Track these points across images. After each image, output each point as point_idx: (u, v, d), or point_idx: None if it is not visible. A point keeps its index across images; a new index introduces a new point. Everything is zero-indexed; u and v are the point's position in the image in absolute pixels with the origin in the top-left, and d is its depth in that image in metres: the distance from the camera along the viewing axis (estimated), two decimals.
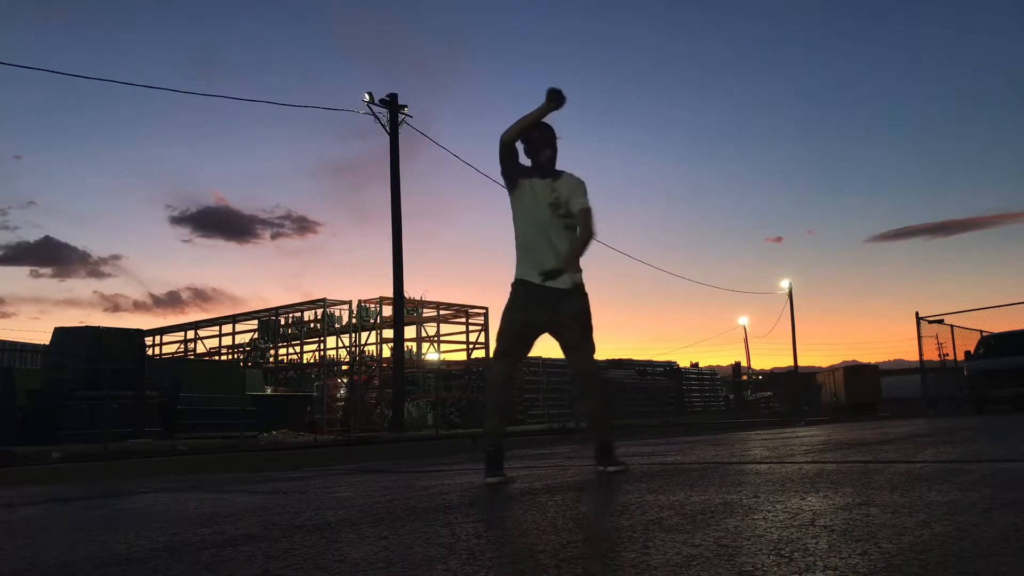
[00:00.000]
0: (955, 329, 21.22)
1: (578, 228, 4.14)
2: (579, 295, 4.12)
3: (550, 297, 4.03)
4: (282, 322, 27.01)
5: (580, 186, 4.20)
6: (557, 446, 9.15)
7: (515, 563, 1.81)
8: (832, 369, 39.13)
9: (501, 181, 4.37)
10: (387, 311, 22.76)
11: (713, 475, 3.85)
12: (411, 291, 22.99)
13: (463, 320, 26.69)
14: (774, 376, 50.70)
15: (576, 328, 4.07)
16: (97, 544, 2.43)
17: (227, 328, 28.92)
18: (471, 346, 26.64)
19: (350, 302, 24.83)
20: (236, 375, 16.14)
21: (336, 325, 25.46)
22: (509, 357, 4.13)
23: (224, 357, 28.73)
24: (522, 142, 4.21)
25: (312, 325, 25.95)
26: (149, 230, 73.32)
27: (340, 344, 26.14)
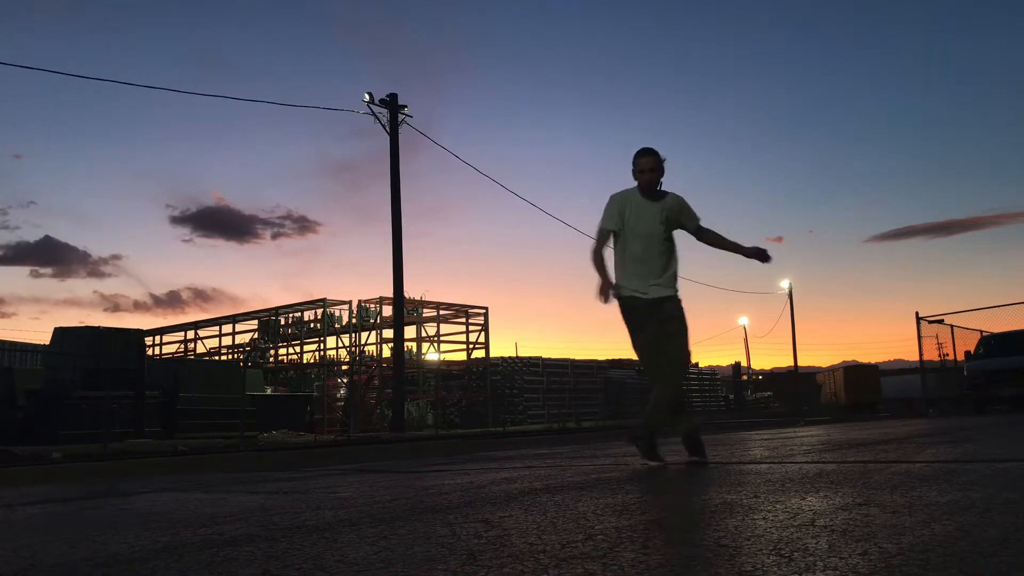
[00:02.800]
0: (955, 329, 21.23)
1: None
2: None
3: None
4: (282, 322, 27.00)
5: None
6: (557, 446, 9.15)
7: (515, 563, 1.81)
8: (832, 369, 39.12)
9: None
10: (387, 311, 22.75)
11: (713, 475, 3.85)
12: (411, 291, 23.00)
13: (463, 320, 26.68)
14: (774, 376, 50.69)
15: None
16: (97, 544, 2.43)
17: (227, 328, 28.91)
18: (471, 346, 26.62)
19: (350, 302, 24.83)
20: (236, 375, 16.13)
21: (336, 325, 25.45)
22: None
23: (224, 357, 28.72)
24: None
25: (312, 325, 25.95)
26: (149, 230, 73.36)
27: (340, 344, 26.14)
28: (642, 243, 4.57)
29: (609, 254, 4.69)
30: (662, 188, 4.69)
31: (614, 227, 4.62)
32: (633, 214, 4.58)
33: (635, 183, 4.67)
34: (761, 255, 4.70)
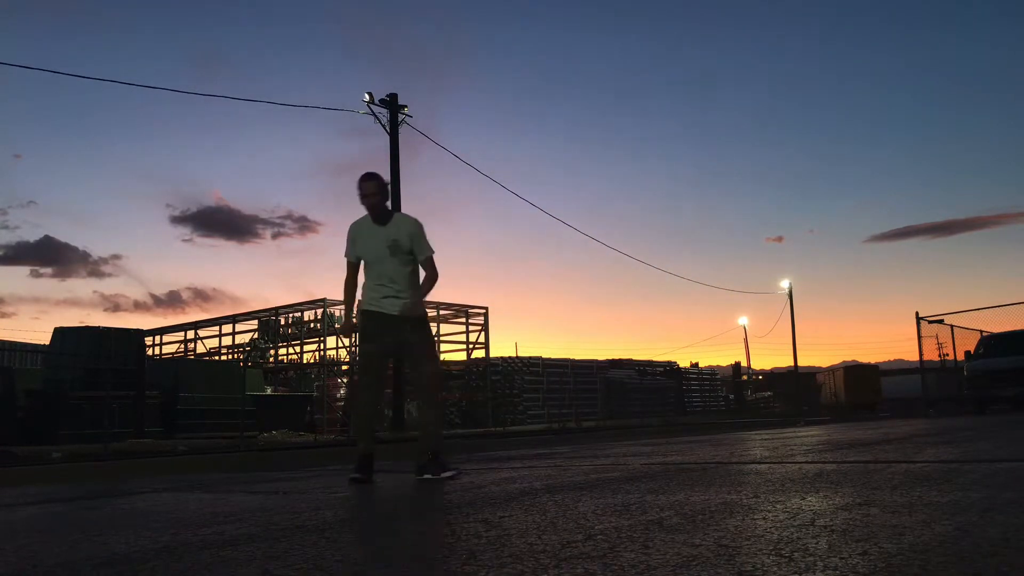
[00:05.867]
0: (955, 329, 21.23)
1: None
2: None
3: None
4: (282, 322, 27.01)
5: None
6: (557, 446, 9.15)
7: (515, 563, 1.81)
8: (832, 369, 39.11)
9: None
10: None
11: (713, 475, 3.86)
12: None
13: (463, 320, 26.69)
14: (774, 376, 50.66)
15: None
16: (97, 544, 2.43)
17: (227, 328, 28.91)
18: (471, 346, 26.64)
19: None
20: (236, 375, 16.13)
21: (336, 325, 25.44)
22: None
23: (224, 357, 28.72)
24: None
25: (312, 325, 25.95)
26: (149, 230, 73.19)
27: (340, 344, 26.13)
28: (376, 267, 4.64)
29: (361, 282, 4.77)
30: (393, 211, 4.78)
31: (350, 257, 4.73)
32: (362, 240, 4.66)
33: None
34: (416, 309, 4.63)
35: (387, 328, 4.55)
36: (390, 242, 4.59)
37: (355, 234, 4.72)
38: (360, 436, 4.77)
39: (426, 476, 4.42)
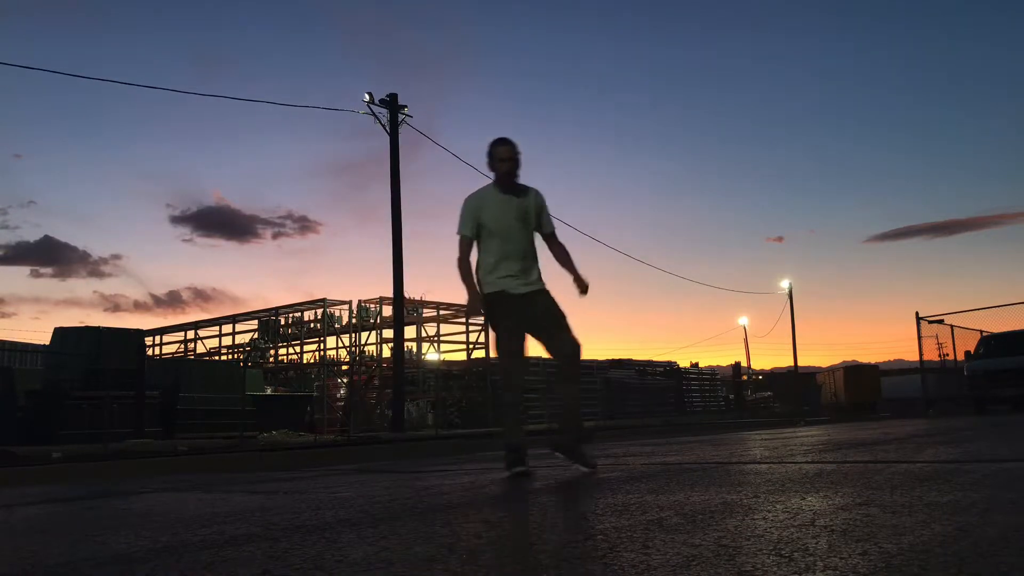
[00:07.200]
0: (955, 329, 21.25)
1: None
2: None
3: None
4: (282, 322, 27.00)
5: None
6: None
7: (515, 563, 1.80)
8: (832, 369, 39.11)
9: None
10: (387, 311, 22.75)
11: (713, 475, 3.85)
12: (411, 291, 23.00)
13: (463, 320, 26.68)
14: (774, 376, 50.64)
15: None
16: (97, 544, 2.43)
17: (227, 328, 28.90)
18: (471, 346, 26.64)
19: (350, 302, 24.82)
20: (236, 375, 16.12)
21: (336, 325, 25.45)
22: None
23: (224, 357, 28.72)
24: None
25: (312, 325, 25.95)
26: (149, 230, 73.17)
27: (340, 344, 26.15)
28: (501, 239, 4.36)
29: (476, 259, 4.48)
30: (520, 181, 4.47)
31: (469, 232, 4.39)
32: (489, 212, 4.37)
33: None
34: (583, 287, 4.42)
35: (517, 307, 4.31)
36: (521, 212, 4.35)
37: (478, 205, 4.38)
38: (513, 432, 4.43)
39: (576, 466, 4.33)
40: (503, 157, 4.38)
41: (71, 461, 7.89)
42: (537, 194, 4.53)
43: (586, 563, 1.77)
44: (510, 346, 4.33)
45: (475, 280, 4.42)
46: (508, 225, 4.35)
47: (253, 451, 9.42)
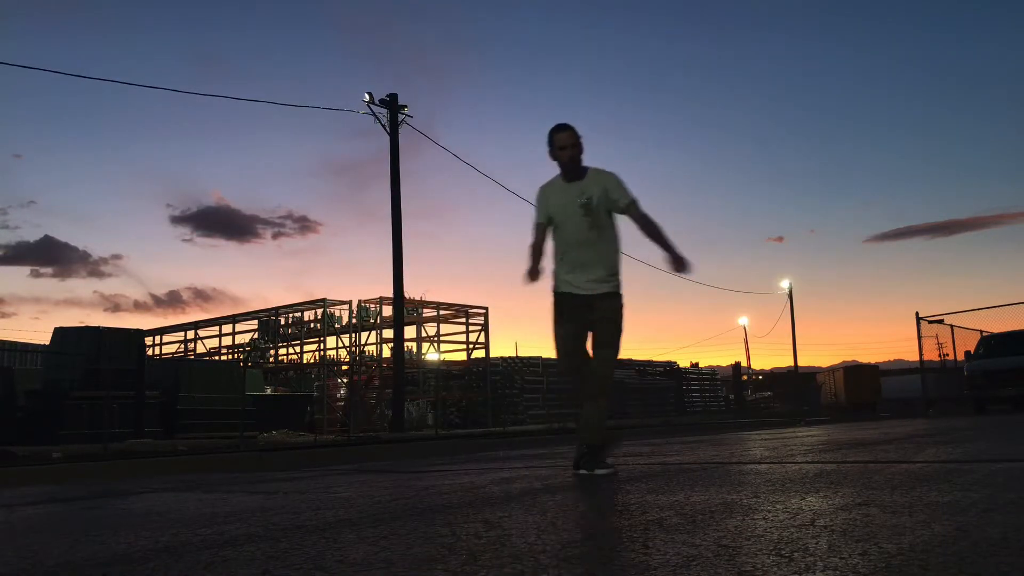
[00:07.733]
0: (955, 329, 21.25)
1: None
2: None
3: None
4: (282, 322, 26.99)
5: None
6: (557, 446, 9.15)
7: (515, 563, 1.80)
8: (832, 369, 39.11)
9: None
10: (387, 311, 22.73)
11: (713, 475, 3.85)
12: (411, 291, 22.99)
13: (463, 320, 26.65)
14: (774, 376, 50.70)
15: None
16: (97, 544, 2.43)
17: (227, 328, 28.88)
18: (471, 346, 26.61)
19: (350, 302, 24.81)
20: (236, 375, 16.12)
21: (336, 325, 25.44)
22: None
23: (224, 357, 28.71)
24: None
25: (312, 325, 25.94)
26: (149, 230, 73.29)
27: (340, 344, 26.13)
28: (566, 233, 4.22)
29: (549, 248, 4.36)
30: (584, 165, 4.25)
31: (542, 220, 4.27)
32: (554, 202, 4.23)
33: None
34: (680, 263, 4.23)
35: (579, 309, 4.18)
36: (583, 201, 4.13)
37: (546, 194, 4.27)
38: (593, 435, 4.17)
39: (581, 471, 4.10)
40: (562, 145, 4.17)
41: (71, 461, 7.89)
42: (599, 173, 4.25)
43: (586, 563, 1.77)
44: (565, 346, 4.26)
45: (540, 264, 4.27)
46: (571, 214, 4.17)
47: (253, 451, 9.41)
